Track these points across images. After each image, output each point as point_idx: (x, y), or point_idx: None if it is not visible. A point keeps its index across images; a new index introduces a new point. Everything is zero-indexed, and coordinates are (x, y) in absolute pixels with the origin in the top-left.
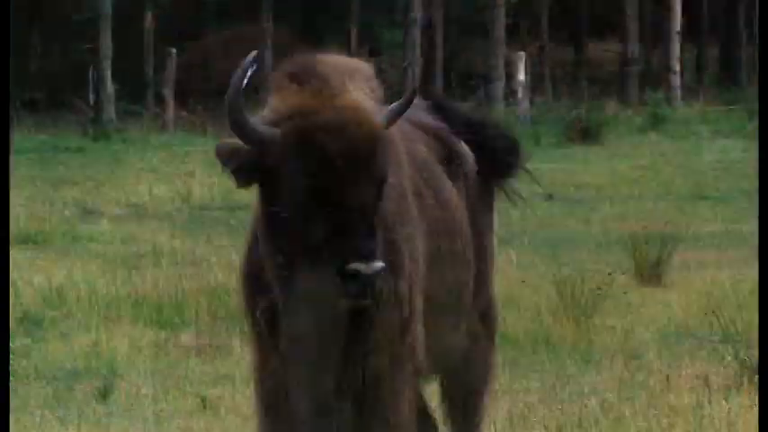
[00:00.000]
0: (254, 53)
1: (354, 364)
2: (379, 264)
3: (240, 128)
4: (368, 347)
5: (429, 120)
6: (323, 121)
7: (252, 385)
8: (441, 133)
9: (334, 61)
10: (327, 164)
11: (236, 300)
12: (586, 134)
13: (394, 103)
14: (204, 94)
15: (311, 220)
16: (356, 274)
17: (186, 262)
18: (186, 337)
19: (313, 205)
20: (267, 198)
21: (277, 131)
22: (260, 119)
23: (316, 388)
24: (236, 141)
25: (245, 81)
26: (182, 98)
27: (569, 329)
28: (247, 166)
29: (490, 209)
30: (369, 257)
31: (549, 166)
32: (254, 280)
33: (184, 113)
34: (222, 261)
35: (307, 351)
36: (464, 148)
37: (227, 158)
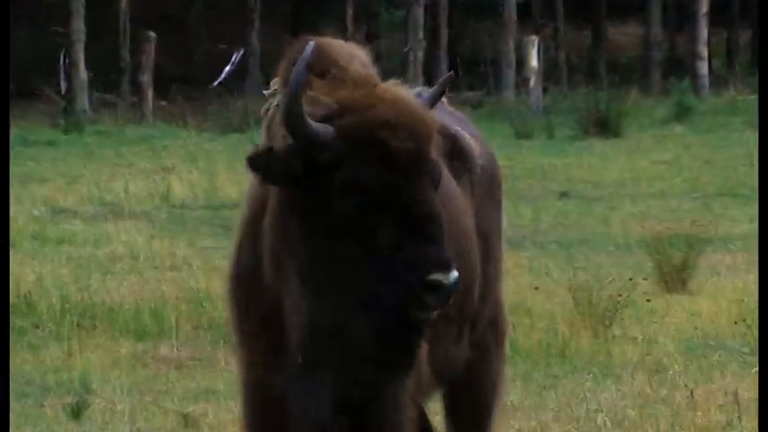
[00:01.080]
0: (311, 44)
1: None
2: (456, 273)
3: (300, 128)
4: None
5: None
6: (383, 116)
7: (239, 401)
8: (443, 125)
9: (338, 46)
10: (396, 162)
11: (221, 308)
12: (605, 126)
13: (428, 92)
14: (186, 82)
15: (379, 225)
16: (438, 286)
17: (166, 266)
18: (166, 349)
19: (381, 209)
20: (309, 202)
21: (330, 129)
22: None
23: (319, 405)
24: (263, 146)
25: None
26: (161, 87)
27: (586, 340)
28: (290, 169)
29: (498, 207)
30: (447, 267)
31: (563, 161)
32: (244, 286)
33: (164, 103)
34: (206, 265)
35: (332, 366)
36: (470, 141)
37: (266, 169)
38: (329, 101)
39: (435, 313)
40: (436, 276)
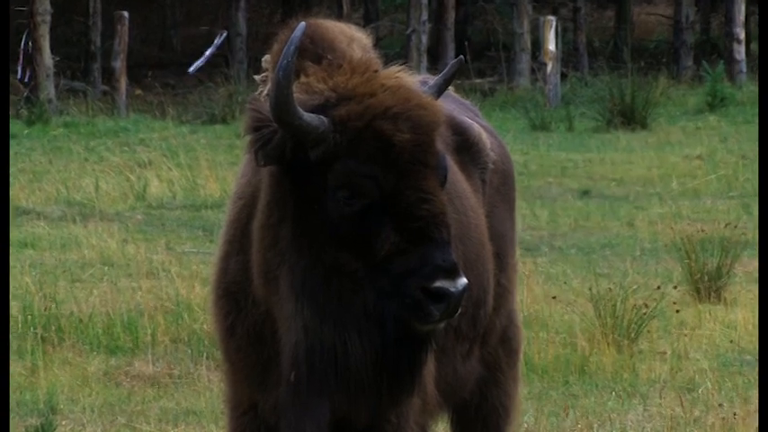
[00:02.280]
0: (302, 25)
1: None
2: (464, 280)
3: (289, 119)
4: None
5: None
6: (384, 106)
7: (225, 423)
8: (450, 116)
9: (334, 27)
10: (397, 157)
11: (203, 319)
12: (630, 117)
13: (435, 79)
14: (163, 68)
15: (379, 228)
16: (443, 294)
17: (141, 273)
18: (141, 365)
19: (381, 210)
20: (302, 202)
21: (324, 119)
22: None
23: (314, 431)
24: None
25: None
26: (136, 73)
27: (609, 356)
28: (279, 151)
29: (511, 208)
30: (454, 273)
31: (584, 156)
32: (230, 296)
33: (139, 92)
34: (186, 272)
35: (328, 387)
36: (480, 133)
37: (257, 127)
38: (324, 88)
39: (441, 326)
40: (441, 284)
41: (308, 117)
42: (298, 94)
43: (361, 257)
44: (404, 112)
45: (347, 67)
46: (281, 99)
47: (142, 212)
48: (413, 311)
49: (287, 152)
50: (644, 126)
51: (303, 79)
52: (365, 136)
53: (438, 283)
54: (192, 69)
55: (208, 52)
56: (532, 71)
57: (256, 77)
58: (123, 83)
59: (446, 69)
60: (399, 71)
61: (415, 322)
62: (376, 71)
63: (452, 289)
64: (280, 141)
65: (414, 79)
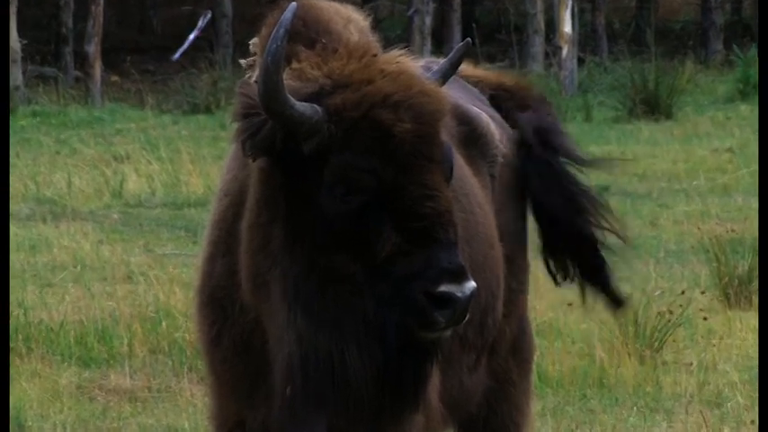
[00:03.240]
0: (293, 5)
1: None
2: (473, 284)
3: (279, 108)
4: None
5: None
6: (383, 93)
7: None
8: (457, 105)
9: (328, 8)
10: (398, 149)
11: (186, 328)
12: (654, 106)
13: (440, 64)
14: (141, 52)
15: (378, 227)
16: (449, 299)
17: (118, 277)
18: (117, 378)
19: (381, 207)
20: (295, 200)
21: (317, 109)
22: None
23: None
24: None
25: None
26: (112, 58)
27: (630, 367)
28: (268, 143)
29: (523, 205)
30: (461, 276)
31: (603, 149)
32: (216, 303)
33: (115, 78)
34: (166, 276)
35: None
36: (489, 123)
37: (247, 114)
38: (317, 75)
39: (448, 335)
40: (447, 288)
41: (301, 106)
42: (289, 81)
43: (359, 260)
44: (405, 100)
45: (343, 52)
46: (270, 86)
47: (118, 211)
48: (416, 318)
49: (277, 144)
50: (669, 116)
51: (295, 65)
52: (363, 126)
53: (443, 288)
54: (176, 57)
55: (192, 36)
56: (546, 56)
57: (243, 62)
58: (98, 69)
59: (452, 53)
60: (400, 56)
61: (419, 330)
62: (375, 56)
63: (459, 294)
64: (270, 132)
65: (416, 64)
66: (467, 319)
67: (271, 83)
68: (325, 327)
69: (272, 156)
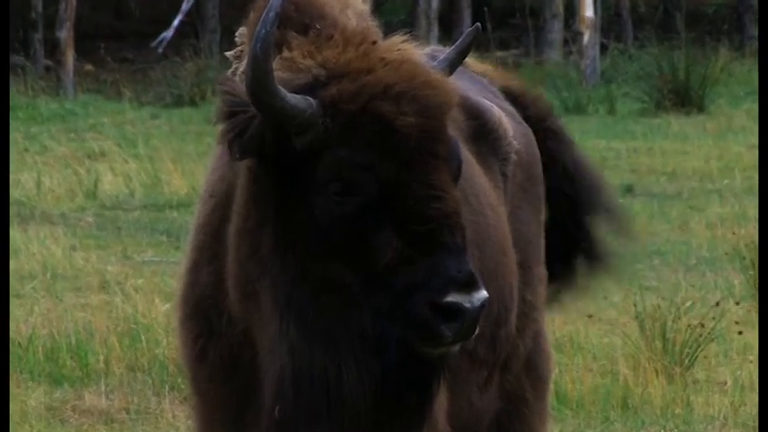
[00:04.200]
0: None
1: None
2: (484, 293)
3: (269, 101)
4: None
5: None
6: (384, 84)
7: None
8: (465, 97)
9: None
10: (400, 145)
11: (167, 343)
12: (684, 97)
13: (447, 52)
14: (118, 39)
15: (379, 231)
16: (458, 311)
17: (92, 287)
18: (92, 398)
19: (381, 209)
20: (287, 201)
21: (311, 101)
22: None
23: None
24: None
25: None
26: (86, 46)
27: (658, 386)
28: (258, 141)
29: (538, 207)
30: (471, 285)
31: (628, 145)
32: (201, 315)
33: (89, 68)
34: (146, 285)
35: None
36: (500, 117)
37: (232, 112)
38: (311, 64)
39: (455, 350)
40: (454, 298)
41: (293, 98)
42: (280, 71)
43: (356, 268)
44: (408, 91)
45: (339, 39)
46: (259, 77)
47: (93, 214)
48: (420, 332)
49: (267, 142)
50: (700, 109)
51: (286, 54)
52: (361, 120)
53: (450, 298)
54: (157, 45)
55: (176, 21)
56: (565, 42)
57: (229, 54)
58: (70, 57)
59: (460, 40)
60: (403, 43)
61: (423, 345)
62: (374, 43)
63: (468, 304)
64: (258, 129)
65: (420, 52)
66: (477, 332)
67: (259, 72)
68: (320, 339)
69: (261, 155)
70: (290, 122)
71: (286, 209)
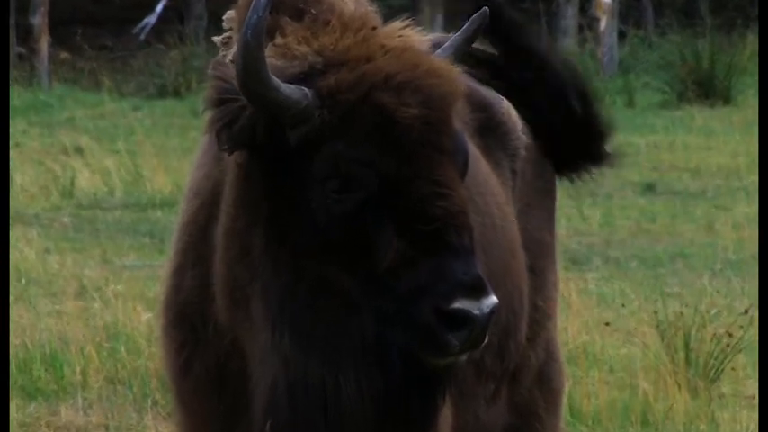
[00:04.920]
0: None
1: None
2: (494, 299)
3: (261, 91)
4: None
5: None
6: (384, 73)
7: None
8: (472, 87)
9: None
10: (402, 138)
11: (149, 353)
12: (709, 88)
13: (452, 38)
14: (97, 25)
15: (379, 232)
16: (465, 318)
17: (68, 293)
18: (69, 412)
19: (381, 208)
20: (280, 199)
21: (306, 92)
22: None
23: None
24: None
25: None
26: (61, 32)
27: (681, 401)
28: (248, 133)
29: (550, 206)
30: (479, 290)
31: (648, 140)
32: (186, 323)
33: (66, 56)
34: (126, 291)
35: None
36: (509, 109)
37: (222, 100)
38: (306, 52)
39: (462, 360)
40: (462, 304)
41: (287, 89)
42: (272, 59)
43: (355, 271)
44: (410, 80)
45: (337, 24)
46: (251, 66)
47: (69, 214)
48: (424, 341)
49: (259, 134)
50: (726, 100)
51: (279, 40)
52: (361, 112)
53: (458, 304)
54: (142, 34)
55: (159, 6)
56: (581, 29)
57: (216, 39)
58: (45, 44)
59: (465, 26)
60: (404, 29)
61: (428, 355)
62: (374, 29)
63: (476, 311)
64: (249, 120)
65: (423, 39)
66: (485, 342)
67: (251, 61)
68: (316, 349)
69: (252, 149)
70: (284, 114)
71: (279, 208)
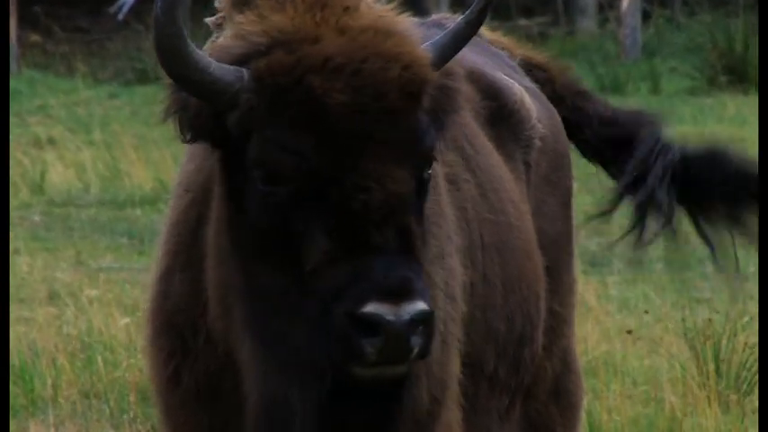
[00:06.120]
0: None
1: None
2: (420, 305)
3: (181, 67)
4: None
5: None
6: (324, 54)
7: None
8: (479, 72)
9: None
10: (332, 125)
11: (132, 364)
12: (741, 74)
13: (455, 21)
14: (70, 5)
15: (307, 226)
16: (378, 323)
17: (39, 298)
18: (39, 429)
19: (306, 200)
20: (230, 182)
21: (243, 73)
22: (213, 53)
23: None
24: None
25: None
26: (30, 13)
27: (710, 416)
28: (198, 121)
29: (567, 202)
30: (401, 293)
31: (675, 129)
32: (174, 332)
33: (36, 38)
34: (102, 296)
35: None
36: (522, 97)
37: (178, 97)
38: (253, 31)
39: (400, 373)
40: (374, 308)
41: (219, 70)
42: (226, 40)
43: (290, 273)
44: (348, 63)
45: (299, 2)
46: (166, 44)
47: (40, 211)
48: (339, 348)
49: (206, 122)
50: (758, 88)
51: (238, 17)
52: (291, 97)
53: (370, 308)
54: (120, 14)
55: None
56: (601, 8)
57: (208, 21)
58: (13, 26)
59: (471, 7)
60: (392, 9)
61: (348, 365)
62: (347, 9)
63: (390, 317)
64: (196, 107)
65: (405, 20)
66: (418, 355)
67: (163, 38)
68: (275, 361)
69: (213, 138)
70: (217, 98)
71: (234, 204)
